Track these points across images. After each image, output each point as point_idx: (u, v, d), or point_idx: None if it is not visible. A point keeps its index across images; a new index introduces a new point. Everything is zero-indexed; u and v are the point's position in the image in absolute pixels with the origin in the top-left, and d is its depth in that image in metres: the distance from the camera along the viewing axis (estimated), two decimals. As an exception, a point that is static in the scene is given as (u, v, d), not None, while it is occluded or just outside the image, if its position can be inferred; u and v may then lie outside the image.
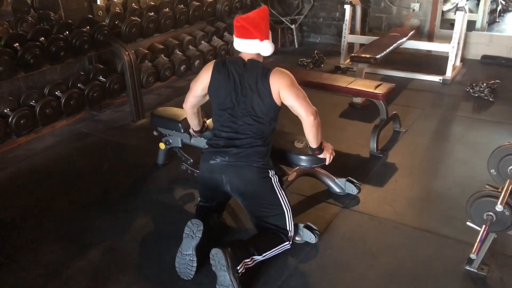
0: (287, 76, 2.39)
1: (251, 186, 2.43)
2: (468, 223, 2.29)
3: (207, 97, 2.59)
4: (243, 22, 2.39)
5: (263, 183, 2.43)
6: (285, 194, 2.50)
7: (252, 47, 2.42)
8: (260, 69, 2.40)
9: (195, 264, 2.31)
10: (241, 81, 2.40)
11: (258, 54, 2.46)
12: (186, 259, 2.32)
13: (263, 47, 2.41)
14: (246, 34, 2.39)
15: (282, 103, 2.41)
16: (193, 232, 2.33)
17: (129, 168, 3.52)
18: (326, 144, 2.62)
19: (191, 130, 2.94)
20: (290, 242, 2.46)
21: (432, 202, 3.00)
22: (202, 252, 2.34)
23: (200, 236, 2.32)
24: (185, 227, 2.36)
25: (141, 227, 2.84)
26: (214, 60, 2.55)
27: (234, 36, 2.47)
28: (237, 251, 2.24)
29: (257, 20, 2.40)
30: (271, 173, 2.46)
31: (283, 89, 2.35)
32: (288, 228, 2.45)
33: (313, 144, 2.53)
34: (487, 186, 2.30)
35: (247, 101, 2.40)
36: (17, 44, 3.49)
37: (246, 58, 2.45)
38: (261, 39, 2.39)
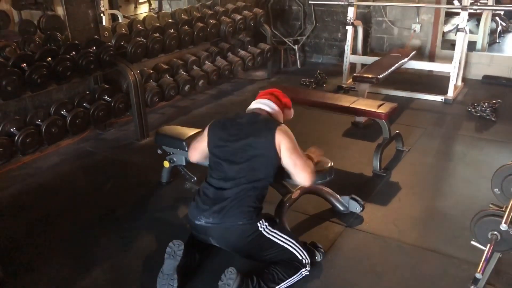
0: (290, 137, 2.42)
1: (242, 245, 2.40)
2: (472, 242, 2.28)
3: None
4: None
5: (254, 240, 2.36)
6: (283, 232, 2.43)
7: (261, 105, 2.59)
8: (264, 120, 2.48)
9: (176, 284, 2.28)
10: (243, 126, 2.45)
11: (265, 110, 2.57)
12: (166, 279, 2.30)
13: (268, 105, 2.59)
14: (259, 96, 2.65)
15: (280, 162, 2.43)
16: (174, 252, 2.32)
17: (133, 186, 3.54)
18: (311, 158, 2.61)
19: None
20: (308, 268, 2.42)
21: (436, 221, 3.00)
22: (186, 274, 2.36)
23: (181, 255, 2.31)
24: (167, 247, 2.35)
25: (145, 245, 2.84)
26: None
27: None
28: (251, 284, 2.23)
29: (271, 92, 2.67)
30: (260, 225, 2.37)
31: (284, 151, 2.38)
32: (299, 258, 2.41)
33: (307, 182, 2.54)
34: (491, 205, 2.30)
35: (248, 146, 2.40)
36: (25, 64, 3.55)
37: (250, 111, 2.58)
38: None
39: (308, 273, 2.42)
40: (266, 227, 2.38)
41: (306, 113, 4.50)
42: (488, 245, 2.18)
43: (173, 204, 3.30)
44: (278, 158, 2.40)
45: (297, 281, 2.39)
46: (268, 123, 2.45)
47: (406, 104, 5.03)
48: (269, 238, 2.38)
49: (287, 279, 2.34)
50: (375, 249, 2.72)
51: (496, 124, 4.48)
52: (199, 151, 2.67)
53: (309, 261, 2.44)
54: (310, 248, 2.54)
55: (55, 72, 3.71)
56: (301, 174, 2.42)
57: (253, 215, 2.36)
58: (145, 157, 3.99)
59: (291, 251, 2.41)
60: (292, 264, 2.39)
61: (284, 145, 2.37)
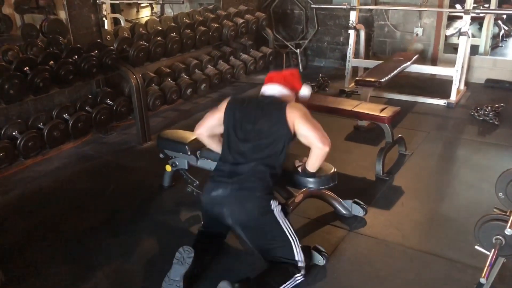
0: (301, 108, 2.47)
1: (253, 220, 2.39)
2: (476, 247, 2.27)
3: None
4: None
5: (265, 217, 2.39)
6: (290, 223, 2.45)
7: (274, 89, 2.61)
8: (278, 101, 2.51)
9: None
10: (257, 107, 2.49)
11: (280, 94, 2.59)
12: (172, 285, 2.29)
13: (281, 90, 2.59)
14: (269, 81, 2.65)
15: (295, 135, 2.45)
16: (183, 258, 2.31)
17: (135, 190, 3.53)
18: None
19: None
20: (303, 273, 2.38)
21: (439, 225, 2.98)
22: (191, 280, 2.34)
23: (190, 263, 2.29)
24: (176, 253, 2.33)
25: (147, 249, 2.83)
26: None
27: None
28: None
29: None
30: (274, 204, 2.41)
31: (297, 120, 2.41)
32: (297, 259, 2.39)
33: (314, 169, 2.58)
34: (495, 210, 2.29)
35: (260, 126, 2.45)
36: (27, 68, 3.55)
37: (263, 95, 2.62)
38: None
39: (302, 279, 2.38)
40: (278, 209, 2.41)
41: (309, 117, 4.49)
42: (493, 250, 2.17)
43: (175, 208, 3.29)
44: (291, 134, 2.44)
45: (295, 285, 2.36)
46: (278, 103, 2.50)
47: (409, 108, 5.01)
48: (278, 221, 2.39)
49: (279, 286, 2.30)
50: (378, 254, 2.71)
51: (499, 128, 4.46)
52: (207, 128, 2.68)
53: (304, 265, 2.39)
54: (308, 253, 2.52)
55: (57, 76, 3.71)
56: (320, 138, 2.40)
57: (269, 190, 2.42)
58: (147, 161, 3.99)
59: (291, 247, 2.39)
60: (286, 269, 2.36)
61: (297, 116, 2.41)
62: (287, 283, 2.33)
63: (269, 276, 2.34)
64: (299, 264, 2.39)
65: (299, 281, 2.37)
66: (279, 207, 2.43)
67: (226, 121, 2.55)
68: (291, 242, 2.39)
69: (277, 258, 2.40)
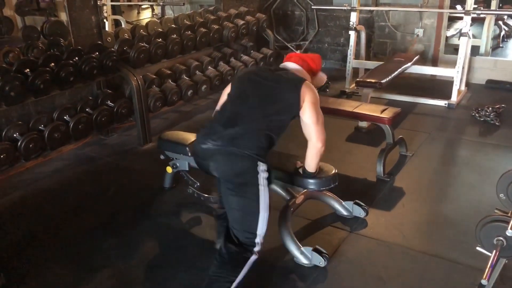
0: (316, 94, 2.44)
1: (234, 177, 2.29)
2: (477, 248, 2.26)
3: None
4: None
5: (247, 176, 2.27)
6: (269, 195, 2.29)
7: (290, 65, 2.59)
8: (294, 74, 2.49)
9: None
10: (273, 75, 2.46)
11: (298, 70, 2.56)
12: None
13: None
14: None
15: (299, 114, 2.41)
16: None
17: (136, 191, 3.53)
18: None
19: None
20: (257, 249, 2.25)
21: (440, 226, 2.98)
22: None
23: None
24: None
25: (148, 250, 2.83)
26: None
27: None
28: None
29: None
30: (262, 168, 2.26)
31: (307, 103, 2.37)
32: (258, 232, 2.25)
33: (311, 168, 2.55)
34: (496, 211, 2.28)
35: (270, 91, 2.40)
36: (28, 70, 3.56)
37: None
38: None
39: (256, 257, 2.25)
40: (263, 177, 2.27)
41: (309, 118, 4.48)
42: (494, 251, 2.17)
43: (176, 210, 3.29)
44: (298, 108, 2.38)
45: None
46: (298, 77, 2.47)
47: (410, 109, 5.01)
48: (257, 189, 2.26)
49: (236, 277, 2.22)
50: (379, 255, 2.70)
51: (500, 128, 4.46)
52: (220, 104, 2.61)
53: (261, 240, 2.26)
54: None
55: (58, 78, 3.72)
56: (317, 133, 2.39)
57: (260, 152, 2.29)
58: (147, 163, 3.99)
59: (257, 219, 2.25)
60: (239, 259, 2.25)
61: (309, 98, 2.37)
62: (243, 272, 2.24)
63: (223, 278, 2.25)
64: (257, 239, 2.26)
65: (254, 260, 2.26)
66: (266, 173, 2.28)
67: (237, 78, 2.56)
68: (259, 213, 2.26)
69: (236, 231, 2.29)
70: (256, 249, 2.26)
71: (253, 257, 2.27)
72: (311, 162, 2.53)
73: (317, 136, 2.40)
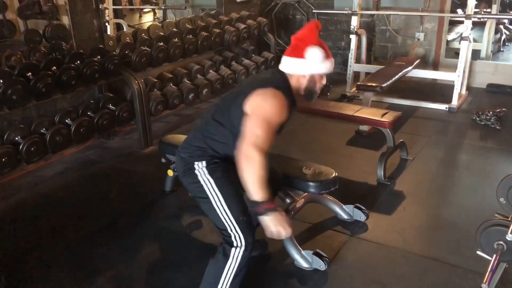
0: (264, 102, 2.06)
1: (181, 179, 2.27)
2: (478, 252, 2.26)
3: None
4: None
5: (188, 179, 2.20)
6: (220, 187, 2.10)
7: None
8: (265, 80, 2.22)
9: None
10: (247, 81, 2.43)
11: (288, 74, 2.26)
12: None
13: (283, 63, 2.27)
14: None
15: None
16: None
17: (137, 195, 3.54)
18: (276, 214, 2.02)
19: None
20: (242, 244, 2.06)
21: (441, 230, 2.98)
22: None
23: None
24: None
25: (149, 254, 2.83)
26: None
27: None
28: None
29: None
30: (199, 165, 2.15)
31: (248, 111, 2.06)
32: (229, 231, 2.07)
33: (246, 190, 2.00)
34: (497, 215, 2.29)
35: (232, 95, 2.25)
36: (30, 73, 3.57)
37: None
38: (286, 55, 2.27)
39: (247, 253, 2.08)
40: (203, 170, 2.13)
41: (310, 122, 4.49)
42: (494, 255, 2.17)
43: (177, 213, 3.29)
44: (240, 118, 2.07)
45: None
46: (259, 82, 2.21)
47: (410, 113, 5.02)
48: (201, 184, 2.13)
49: (219, 279, 2.10)
50: (380, 259, 2.70)
51: (501, 132, 4.46)
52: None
53: (241, 243, 2.06)
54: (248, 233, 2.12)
55: (60, 81, 3.73)
56: (245, 142, 1.98)
57: (196, 153, 2.18)
58: (149, 166, 4.00)
59: (216, 213, 2.09)
60: (218, 259, 2.11)
61: (249, 105, 2.05)
62: (222, 278, 2.10)
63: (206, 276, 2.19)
64: (234, 242, 2.07)
65: (243, 255, 2.08)
66: (204, 167, 2.14)
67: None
68: (216, 208, 2.10)
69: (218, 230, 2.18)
70: (236, 241, 2.07)
71: (238, 250, 2.06)
72: (244, 178, 1.99)
73: (243, 146, 1.99)
